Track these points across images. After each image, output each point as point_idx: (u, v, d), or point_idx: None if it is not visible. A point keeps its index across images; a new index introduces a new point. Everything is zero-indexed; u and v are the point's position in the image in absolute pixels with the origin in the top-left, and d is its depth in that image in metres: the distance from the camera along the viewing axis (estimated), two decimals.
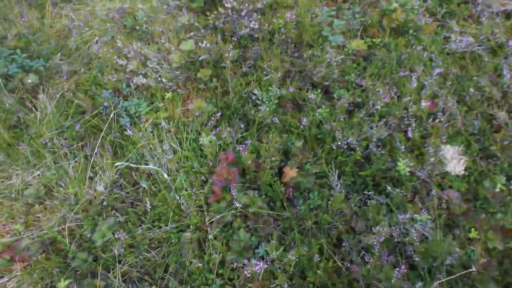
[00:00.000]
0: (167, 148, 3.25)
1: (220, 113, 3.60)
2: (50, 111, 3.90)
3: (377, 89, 3.64)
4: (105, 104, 3.75)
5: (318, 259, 2.76)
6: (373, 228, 3.09)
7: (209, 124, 3.59)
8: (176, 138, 3.64)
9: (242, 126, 3.61)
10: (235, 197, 3.12)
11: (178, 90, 3.96)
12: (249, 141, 3.24)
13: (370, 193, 3.33)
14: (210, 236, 3.04)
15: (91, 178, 3.53)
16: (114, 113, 3.83)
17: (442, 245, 2.98)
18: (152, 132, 3.64)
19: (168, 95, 3.92)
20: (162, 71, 3.89)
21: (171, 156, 3.28)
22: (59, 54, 4.50)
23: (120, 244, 3.04)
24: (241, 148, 3.16)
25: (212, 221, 3.21)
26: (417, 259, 2.89)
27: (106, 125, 3.61)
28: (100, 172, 3.52)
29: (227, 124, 3.64)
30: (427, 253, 2.90)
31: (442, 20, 4.64)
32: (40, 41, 4.70)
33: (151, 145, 3.50)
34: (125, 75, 4.05)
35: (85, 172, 3.52)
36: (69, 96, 3.92)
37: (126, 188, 3.55)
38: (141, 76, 3.80)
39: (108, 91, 3.87)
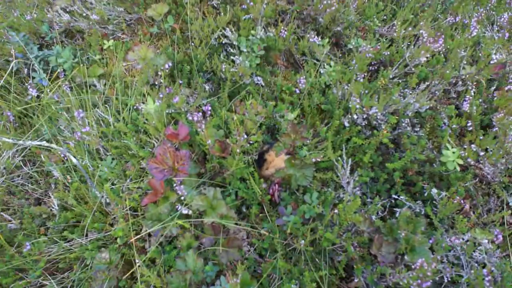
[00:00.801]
0: (80, 116, 2.03)
1: (170, 65, 2.33)
2: None
3: (420, 35, 2.37)
4: (12, 51, 2.54)
5: None
6: (405, 256, 1.88)
7: (158, 83, 2.36)
8: (111, 103, 2.43)
9: (207, 88, 2.38)
10: (182, 198, 1.92)
11: (123, 36, 2.73)
12: (208, 107, 2.01)
13: (399, 197, 2.11)
14: (139, 262, 1.84)
15: None
16: (29, 66, 2.63)
17: None
18: (79, 94, 2.44)
19: (108, 43, 2.71)
20: (97, 6, 2.66)
21: (87, 129, 2.06)
22: None
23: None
24: (196, 119, 1.93)
25: (150, 234, 2.02)
26: None
27: (2, 81, 2.39)
28: None
29: (186, 84, 2.41)
30: None
31: None
32: None
33: (66, 114, 2.29)
34: (51, 15, 2.82)
35: None
36: None
37: (34, 178, 2.36)
38: (61, 11, 2.56)
39: (21, 34, 2.65)
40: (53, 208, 2.20)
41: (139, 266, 1.88)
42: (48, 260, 2.08)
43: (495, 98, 2.31)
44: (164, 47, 2.57)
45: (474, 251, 1.95)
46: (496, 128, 2.16)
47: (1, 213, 2.22)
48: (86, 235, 2.16)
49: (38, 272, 1.99)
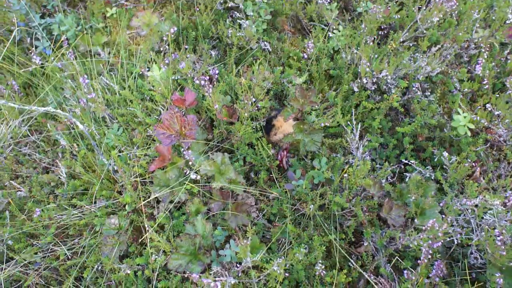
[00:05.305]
0: (85, 83, 2.00)
1: (176, 29, 2.27)
2: None
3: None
4: (14, 19, 2.49)
5: (324, 267, 1.47)
6: (415, 219, 1.87)
7: (163, 49, 2.32)
8: (116, 71, 2.40)
9: (213, 54, 2.33)
10: (190, 163, 1.91)
11: (126, 3, 2.67)
12: (216, 71, 1.97)
13: (410, 162, 2.08)
14: (148, 228, 1.85)
15: None
16: (32, 36, 2.59)
17: None
18: (83, 63, 2.40)
19: (112, 11, 2.65)
20: None
21: (93, 95, 2.04)
22: None
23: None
24: (203, 83, 1.90)
25: (159, 201, 2.02)
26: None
27: (5, 50, 2.36)
28: None
29: (192, 51, 2.37)
30: (509, 270, 1.69)
31: None
32: None
33: (71, 82, 2.26)
34: None
35: None
36: None
37: (41, 147, 2.36)
38: None
39: (22, 2, 2.59)
40: (61, 176, 2.19)
41: (148, 231, 1.88)
42: (58, 226, 2.09)
43: (509, 61, 2.25)
44: (168, 14, 2.52)
45: (485, 213, 1.93)
46: (510, 91, 2.11)
47: (11, 181, 2.23)
48: (95, 203, 2.16)
49: (49, 238, 2.00)
